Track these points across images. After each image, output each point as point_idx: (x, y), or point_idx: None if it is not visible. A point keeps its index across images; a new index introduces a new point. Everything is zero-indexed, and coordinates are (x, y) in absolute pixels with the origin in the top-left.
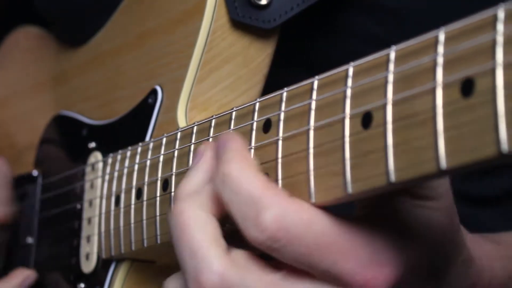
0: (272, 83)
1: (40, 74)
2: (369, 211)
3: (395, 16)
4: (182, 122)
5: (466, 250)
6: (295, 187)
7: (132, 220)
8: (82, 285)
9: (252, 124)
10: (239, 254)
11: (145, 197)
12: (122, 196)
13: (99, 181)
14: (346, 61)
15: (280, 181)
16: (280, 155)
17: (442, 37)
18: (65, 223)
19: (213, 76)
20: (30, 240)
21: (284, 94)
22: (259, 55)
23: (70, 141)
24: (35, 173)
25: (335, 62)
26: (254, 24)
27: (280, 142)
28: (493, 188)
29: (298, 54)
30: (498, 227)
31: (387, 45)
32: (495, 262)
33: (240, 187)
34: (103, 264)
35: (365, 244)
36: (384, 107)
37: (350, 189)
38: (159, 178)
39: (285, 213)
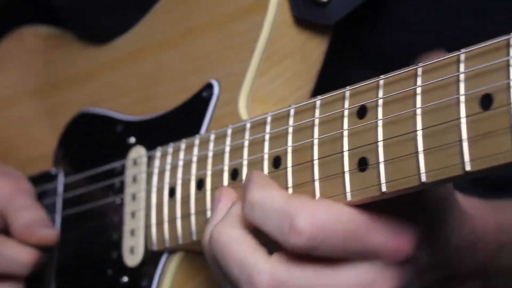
0: (325, 80)
1: (51, 74)
2: None
3: (447, 7)
4: (244, 114)
5: (457, 210)
6: (400, 168)
7: (193, 211)
8: (126, 278)
9: (343, 110)
10: (280, 254)
11: (208, 187)
12: (178, 187)
13: (143, 175)
14: (398, 54)
15: (381, 164)
16: (380, 138)
17: None
18: (100, 218)
19: (273, 70)
20: None
21: (381, 81)
22: (315, 52)
23: (100, 138)
24: (53, 171)
25: (388, 55)
26: (315, 20)
27: (380, 126)
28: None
29: (349, 49)
30: None
31: (440, 36)
32: (486, 213)
33: (267, 207)
34: (152, 257)
35: (388, 221)
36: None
37: (469, 167)
38: (227, 167)
39: (314, 213)
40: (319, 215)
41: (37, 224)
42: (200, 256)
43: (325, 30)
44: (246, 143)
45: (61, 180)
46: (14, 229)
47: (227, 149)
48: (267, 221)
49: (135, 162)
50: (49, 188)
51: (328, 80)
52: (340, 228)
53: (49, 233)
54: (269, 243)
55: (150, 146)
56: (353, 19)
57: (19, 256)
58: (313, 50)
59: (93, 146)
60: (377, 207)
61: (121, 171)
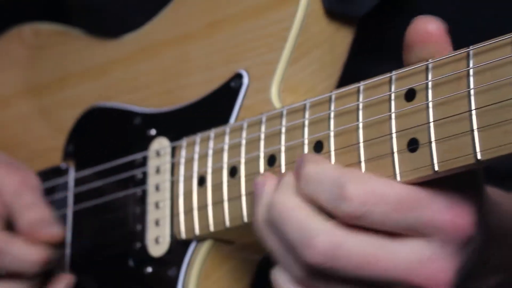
0: (348, 72)
1: (56, 71)
2: None
3: None
4: (277, 103)
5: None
6: (454, 146)
7: (226, 198)
8: (150, 269)
9: (390, 94)
10: (339, 221)
11: (243, 173)
12: (209, 175)
13: (167, 165)
14: None
15: (433, 144)
16: (431, 119)
17: None
18: (118, 210)
19: (303, 60)
20: None
21: (430, 65)
22: (342, 43)
23: (116, 131)
24: (63, 166)
25: None
26: (345, 12)
27: (431, 108)
28: None
29: (372, 42)
30: None
31: (467, 26)
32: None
33: (320, 178)
34: (179, 245)
35: (440, 193)
36: None
37: None
38: (263, 154)
39: (365, 181)
40: (369, 182)
41: (44, 222)
42: (228, 245)
43: (352, 22)
44: (284, 129)
45: (71, 175)
46: (21, 228)
47: (263, 135)
48: (321, 191)
49: (157, 153)
50: (60, 182)
51: (351, 72)
52: (392, 195)
53: (55, 231)
54: None
55: (173, 137)
56: (376, 11)
57: (27, 254)
58: (340, 41)
59: (108, 140)
60: (430, 184)
61: (142, 163)
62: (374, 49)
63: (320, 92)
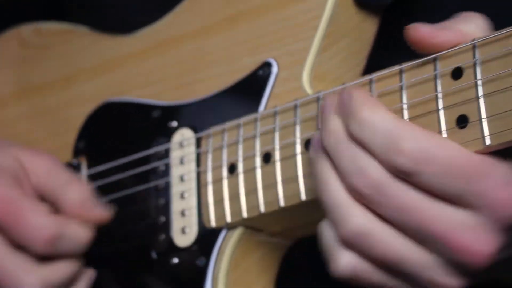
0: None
1: (61, 69)
2: None
3: None
4: (308, 89)
5: None
6: (506, 120)
7: (260, 184)
8: (176, 260)
9: (435, 73)
10: None
11: (278, 158)
12: (240, 163)
13: (192, 156)
14: None
15: (483, 118)
16: (481, 93)
17: None
18: (138, 204)
19: (332, 49)
20: None
21: (477, 43)
22: (368, 32)
23: (132, 125)
24: (75, 163)
25: None
26: (373, 1)
27: (479, 85)
28: None
29: (395, 33)
30: None
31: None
32: None
33: (377, 127)
34: (208, 234)
35: (499, 165)
36: None
37: None
38: (299, 140)
39: (421, 138)
40: (424, 141)
41: (89, 201)
42: (257, 232)
43: (377, 12)
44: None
45: (84, 171)
46: (68, 208)
47: (298, 120)
48: (375, 140)
49: (181, 145)
50: None
51: (374, 63)
52: (445, 157)
53: (104, 210)
54: None
55: (197, 128)
56: (398, 2)
57: (80, 236)
58: (367, 30)
59: (123, 134)
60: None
61: (164, 155)
62: (396, 41)
63: (347, 81)
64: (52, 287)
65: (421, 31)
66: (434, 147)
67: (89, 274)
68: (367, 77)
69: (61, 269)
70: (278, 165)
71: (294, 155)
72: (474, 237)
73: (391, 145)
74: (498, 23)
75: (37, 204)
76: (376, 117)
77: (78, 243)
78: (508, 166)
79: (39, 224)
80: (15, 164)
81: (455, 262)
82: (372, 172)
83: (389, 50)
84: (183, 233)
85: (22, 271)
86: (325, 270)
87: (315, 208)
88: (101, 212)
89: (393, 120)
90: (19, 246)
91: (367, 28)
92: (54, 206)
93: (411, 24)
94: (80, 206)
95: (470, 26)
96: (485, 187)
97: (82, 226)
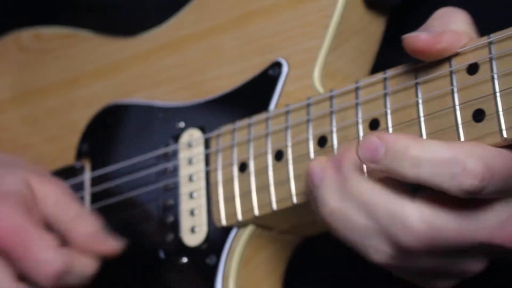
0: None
1: (63, 72)
2: None
3: None
4: (320, 88)
5: None
6: None
7: (272, 181)
8: (185, 259)
9: (451, 70)
10: (425, 198)
11: (290, 156)
12: (251, 161)
13: (201, 156)
14: None
15: (501, 112)
16: (497, 89)
17: None
18: (144, 205)
19: (342, 47)
20: None
21: (493, 39)
22: (377, 32)
23: (139, 127)
24: (78, 165)
25: None
26: (384, 1)
27: (496, 79)
28: None
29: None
30: None
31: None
32: None
33: (435, 159)
34: (218, 233)
35: None
36: None
37: None
38: (312, 136)
39: (483, 155)
40: (486, 156)
41: (99, 234)
42: (268, 231)
43: (385, 12)
44: (334, 110)
45: (87, 174)
46: (77, 241)
47: (311, 118)
48: (436, 173)
49: (189, 145)
50: (75, 182)
51: (382, 62)
52: (508, 169)
53: (114, 243)
54: None
55: (205, 128)
56: (406, 2)
57: (87, 269)
58: (375, 30)
59: (129, 136)
60: None
61: (172, 156)
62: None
63: (356, 79)
64: None
65: (422, 40)
66: (494, 159)
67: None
68: (381, 75)
69: None
70: (290, 163)
71: (308, 152)
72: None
73: (458, 172)
74: (497, 23)
75: (46, 236)
76: (429, 151)
77: (84, 276)
78: None
79: (48, 258)
80: (25, 189)
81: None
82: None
83: (396, 48)
84: (193, 233)
85: None
86: (332, 268)
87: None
88: (111, 245)
89: (445, 147)
90: (23, 277)
91: (375, 27)
92: (62, 238)
93: (406, 35)
94: (89, 240)
95: (459, 24)
96: None
97: (90, 260)
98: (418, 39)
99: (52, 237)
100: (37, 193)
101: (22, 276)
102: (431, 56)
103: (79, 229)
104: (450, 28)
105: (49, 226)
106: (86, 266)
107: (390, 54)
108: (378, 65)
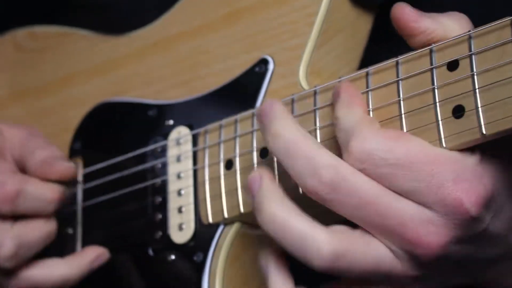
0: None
1: (56, 71)
2: None
3: None
4: (305, 85)
5: None
6: (501, 109)
7: None
8: (173, 256)
9: (432, 66)
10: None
11: None
12: (237, 159)
13: (189, 153)
14: None
15: (480, 108)
16: (477, 86)
17: None
18: (135, 202)
19: (328, 45)
20: (70, 230)
21: (472, 34)
22: (363, 29)
23: (128, 125)
24: None
25: None
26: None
27: (476, 76)
28: None
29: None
30: None
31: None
32: None
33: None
34: (205, 230)
35: (454, 160)
36: None
37: None
38: None
39: (366, 139)
40: (370, 142)
41: (54, 159)
42: (254, 229)
43: (372, 9)
44: (318, 108)
45: (79, 171)
46: (32, 167)
47: (295, 115)
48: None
49: (177, 142)
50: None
51: (369, 59)
52: (390, 158)
53: (68, 165)
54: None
55: (193, 126)
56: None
57: (43, 192)
58: (361, 27)
59: (120, 134)
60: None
61: (160, 153)
62: (390, 36)
63: (343, 75)
64: (28, 245)
65: (405, 12)
66: (377, 149)
67: (101, 253)
68: (363, 70)
69: (35, 228)
70: (275, 160)
71: None
72: (429, 229)
73: (345, 144)
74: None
75: (2, 164)
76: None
77: (42, 200)
78: (465, 162)
79: (1, 180)
80: None
81: (410, 254)
82: (327, 171)
83: (384, 44)
84: (180, 230)
85: None
86: None
87: (312, 203)
88: (63, 167)
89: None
90: None
91: (362, 24)
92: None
93: (399, 2)
94: (41, 166)
95: (454, 24)
96: (436, 183)
97: (45, 184)
98: (404, 9)
99: (8, 164)
100: (5, 134)
101: None
102: (405, 32)
103: (36, 156)
104: (441, 20)
105: (18, 165)
106: (42, 189)
107: (379, 51)
108: (366, 62)
